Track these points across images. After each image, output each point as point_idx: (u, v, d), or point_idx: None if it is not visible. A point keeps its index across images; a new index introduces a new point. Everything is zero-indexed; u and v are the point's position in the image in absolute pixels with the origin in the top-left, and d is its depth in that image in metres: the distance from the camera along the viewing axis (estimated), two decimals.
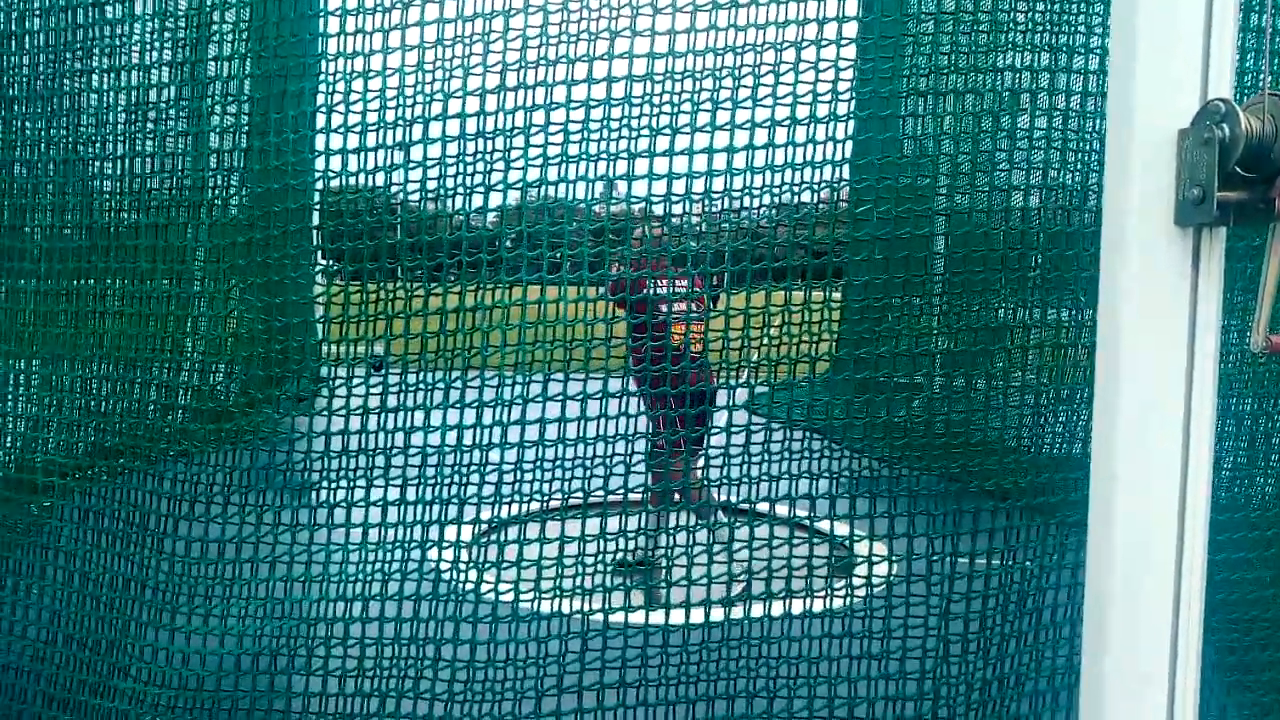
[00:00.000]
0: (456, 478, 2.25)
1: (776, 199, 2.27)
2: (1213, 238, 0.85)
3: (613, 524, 2.44)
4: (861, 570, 2.47)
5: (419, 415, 2.26)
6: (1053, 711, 2.32)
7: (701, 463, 2.65)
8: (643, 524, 2.64)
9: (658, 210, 2.31)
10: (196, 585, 2.32)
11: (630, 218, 2.36)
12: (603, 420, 2.31)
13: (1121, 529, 0.89)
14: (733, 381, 2.39)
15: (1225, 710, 2.33)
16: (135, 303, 2.53)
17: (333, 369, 2.49)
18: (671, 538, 2.52)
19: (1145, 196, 0.86)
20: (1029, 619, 2.33)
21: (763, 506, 2.38)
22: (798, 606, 2.34)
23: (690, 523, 2.65)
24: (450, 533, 2.33)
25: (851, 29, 2.19)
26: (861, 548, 2.58)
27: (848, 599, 2.40)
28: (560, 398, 2.28)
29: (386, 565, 2.28)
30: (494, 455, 2.26)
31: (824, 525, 2.65)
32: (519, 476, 2.28)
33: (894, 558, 2.41)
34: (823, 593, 2.40)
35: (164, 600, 2.34)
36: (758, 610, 2.36)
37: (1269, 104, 0.79)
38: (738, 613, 2.33)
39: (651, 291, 2.72)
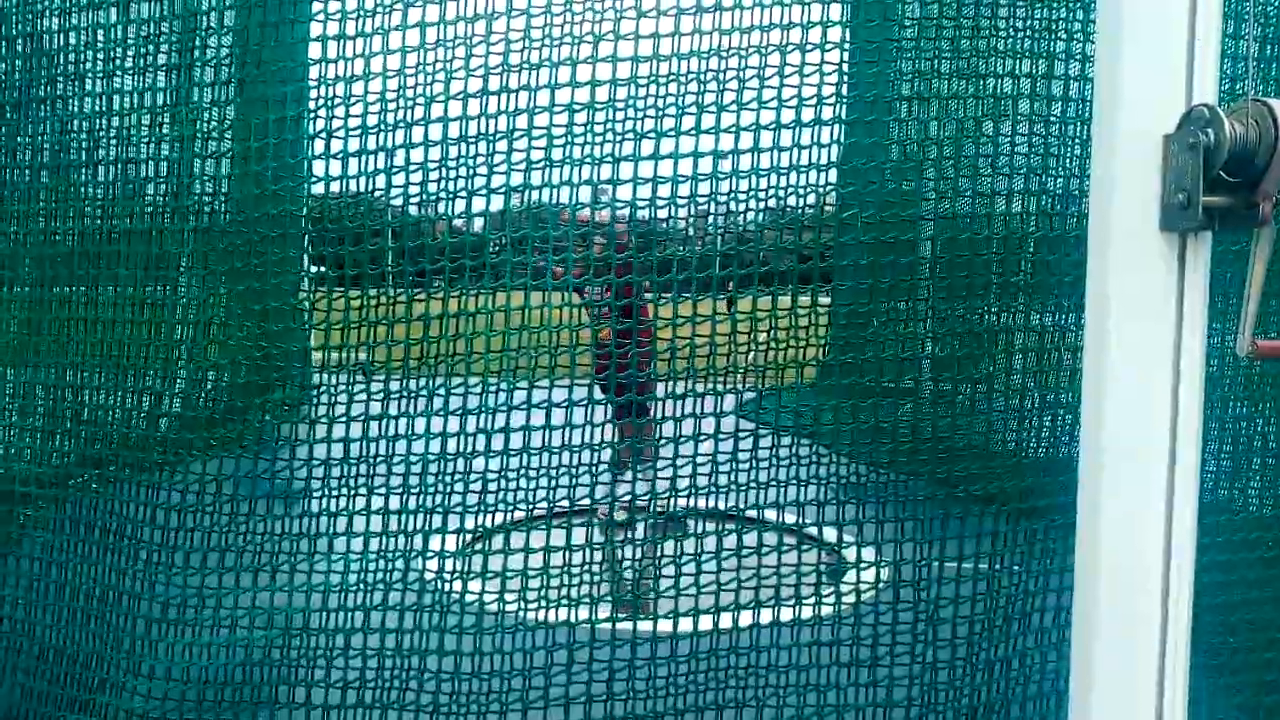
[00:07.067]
0: (443, 486, 2.24)
1: (764, 203, 2.27)
2: (1198, 243, 0.85)
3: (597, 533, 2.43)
4: (850, 576, 2.46)
5: (404, 423, 2.24)
6: (1043, 715, 2.32)
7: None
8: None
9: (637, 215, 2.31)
10: (183, 596, 2.29)
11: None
12: (587, 428, 2.30)
13: (1109, 532, 0.89)
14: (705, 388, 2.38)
15: (1213, 712, 2.33)
16: (118, 310, 2.51)
17: (320, 376, 2.47)
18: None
19: (1130, 201, 0.86)
20: (1018, 623, 2.33)
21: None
22: (786, 614, 2.33)
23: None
24: (438, 542, 2.31)
25: (837, 34, 2.20)
26: (851, 553, 2.58)
27: (836, 605, 2.39)
28: (545, 404, 2.27)
29: (373, 575, 2.26)
30: (479, 463, 2.25)
31: (813, 531, 2.65)
32: (503, 485, 2.27)
33: (882, 563, 2.40)
34: (811, 599, 2.39)
35: (150, 612, 2.31)
36: (746, 619, 2.35)
37: (1253, 109, 0.79)
38: (725, 621, 2.32)
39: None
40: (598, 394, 2.44)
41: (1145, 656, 0.88)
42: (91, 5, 2.38)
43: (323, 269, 2.44)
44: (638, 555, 2.47)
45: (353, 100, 2.14)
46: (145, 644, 2.32)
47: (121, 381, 2.59)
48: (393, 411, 2.24)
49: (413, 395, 2.25)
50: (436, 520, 2.28)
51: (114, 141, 2.45)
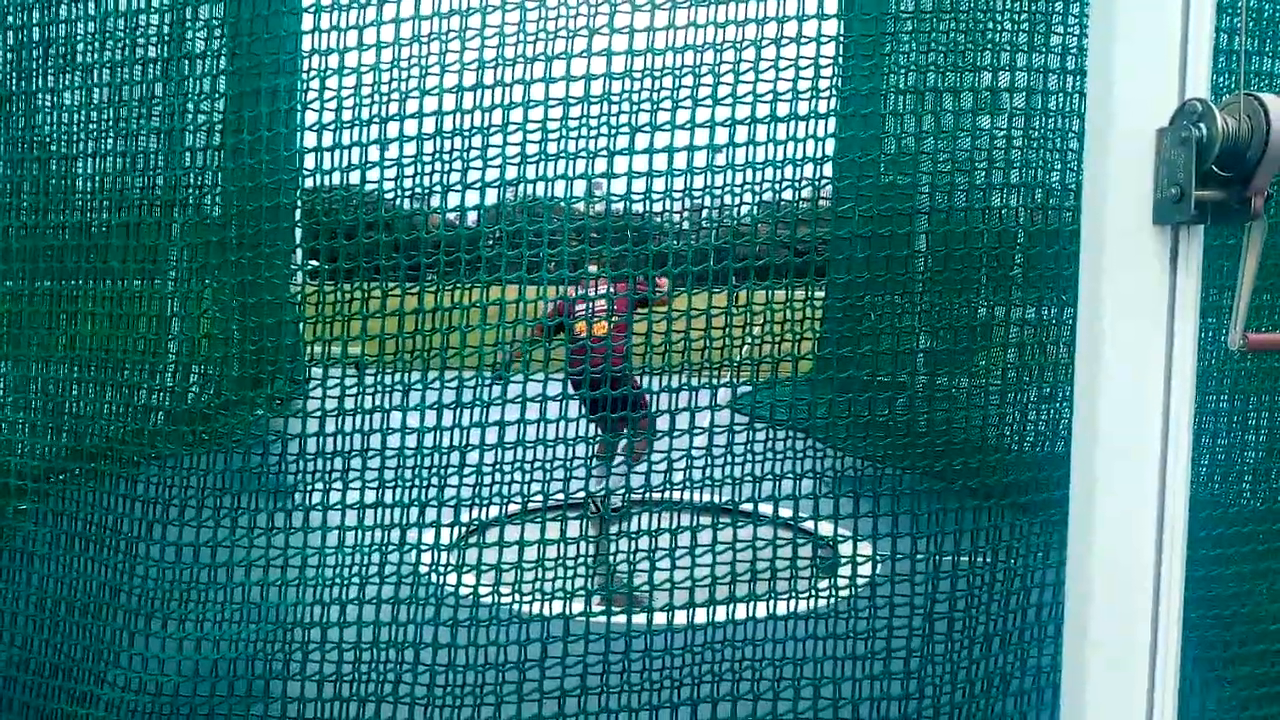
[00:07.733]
0: (435, 479, 2.23)
1: (758, 197, 2.27)
2: (1190, 236, 0.85)
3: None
4: (846, 570, 2.46)
5: (396, 416, 2.24)
6: (1037, 710, 2.32)
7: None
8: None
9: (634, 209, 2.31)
10: (173, 590, 2.29)
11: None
12: (581, 421, 2.30)
13: (1101, 526, 0.89)
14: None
15: (1205, 706, 2.34)
16: (110, 304, 2.51)
17: (310, 369, 2.47)
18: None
19: (1124, 195, 0.86)
20: (1012, 617, 2.34)
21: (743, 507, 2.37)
22: (783, 607, 2.33)
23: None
24: (429, 534, 2.30)
25: (832, 27, 2.20)
26: (846, 548, 2.58)
27: (832, 599, 2.39)
28: (540, 398, 2.27)
29: (364, 568, 2.25)
30: (471, 456, 2.24)
31: (808, 525, 2.64)
32: (496, 478, 2.26)
33: (878, 557, 2.40)
34: (807, 593, 2.39)
35: (142, 606, 2.31)
36: (742, 612, 2.35)
37: (1244, 104, 0.79)
38: (721, 614, 2.32)
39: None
40: (573, 390, 2.45)
41: (1138, 650, 0.89)
42: None
43: (315, 263, 2.43)
44: (626, 547, 2.48)
45: (345, 93, 2.13)
46: (144, 638, 2.31)
47: (113, 376, 2.58)
48: (384, 404, 2.23)
49: (405, 389, 2.25)
50: (425, 513, 2.27)
51: (106, 134, 2.44)
